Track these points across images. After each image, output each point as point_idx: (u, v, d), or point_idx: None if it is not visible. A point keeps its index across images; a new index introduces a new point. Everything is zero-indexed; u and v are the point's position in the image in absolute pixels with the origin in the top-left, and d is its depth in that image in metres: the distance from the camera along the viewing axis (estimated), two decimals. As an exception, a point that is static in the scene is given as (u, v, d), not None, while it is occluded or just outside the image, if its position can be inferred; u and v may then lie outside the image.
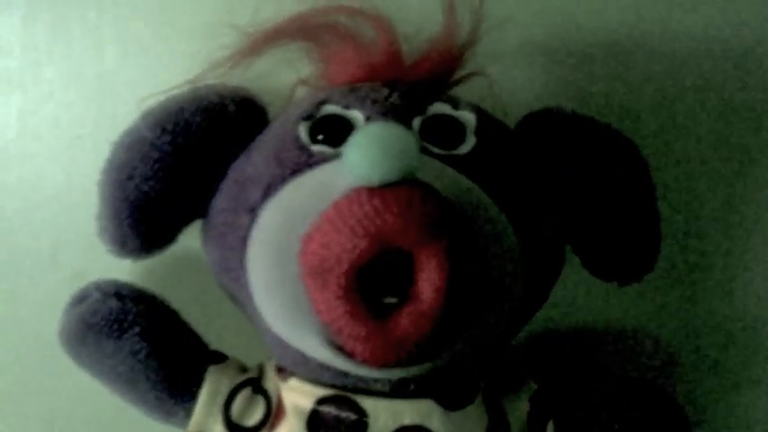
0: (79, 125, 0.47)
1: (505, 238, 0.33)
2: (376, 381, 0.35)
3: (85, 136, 0.44)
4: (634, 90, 0.46)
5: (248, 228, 0.34)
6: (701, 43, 0.46)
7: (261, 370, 0.39)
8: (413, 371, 0.33)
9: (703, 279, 0.48)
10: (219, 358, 0.40)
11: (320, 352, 0.33)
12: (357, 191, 0.30)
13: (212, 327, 0.41)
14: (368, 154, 0.30)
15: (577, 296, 0.47)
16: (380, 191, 0.29)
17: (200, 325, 0.41)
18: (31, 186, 0.48)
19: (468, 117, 0.36)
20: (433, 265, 0.29)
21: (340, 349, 0.31)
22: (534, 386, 0.39)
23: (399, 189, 0.29)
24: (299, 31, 0.39)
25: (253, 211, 0.34)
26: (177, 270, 0.45)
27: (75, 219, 0.47)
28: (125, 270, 0.42)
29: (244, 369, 0.40)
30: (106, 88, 0.46)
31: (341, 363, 0.33)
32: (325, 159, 0.34)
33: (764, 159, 0.47)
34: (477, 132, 0.36)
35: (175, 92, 0.38)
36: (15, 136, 0.47)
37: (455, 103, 0.37)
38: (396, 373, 0.34)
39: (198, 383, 0.38)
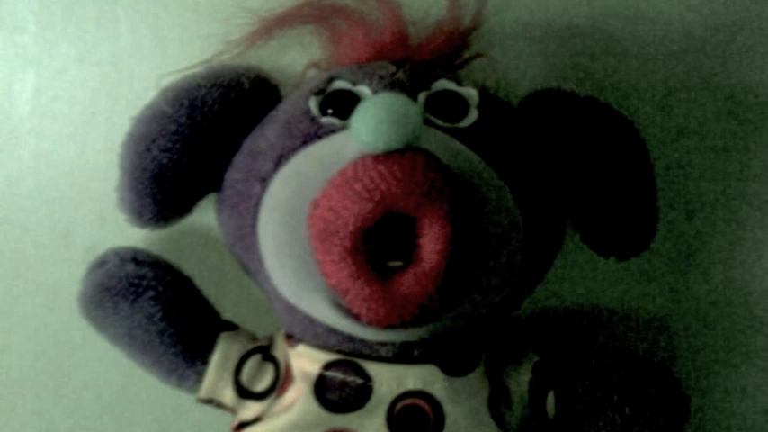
0: (93, 102, 0.47)
1: (506, 206, 0.35)
2: (381, 345, 0.36)
3: (99, 112, 0.45)
4: (636, 73, 0.46)
5: (260, 196, 0.36)
6: (703, 30, 0.46)
7: (271, 340, 0.41)
8: (416, 333, 0.35)
9: (706, 261, 0.49)
10: (231, 326, 0.41)
11: (327, 315, 0.34)
12: (363, 158, 0.31)
13: (223, 303, 0.43)
14: (373, 122, 0.31)
15: (581, 275, 0.48)
16: (385, 158, 0.31)
17: (212, 300, 0.42)
18: (44, 163, 0.48)
19: (472, 93, 0.37)
20: (436, 229, 0.31)
21: (346, 311, 0.33)
22: (535, 357, 0.40)
23: (403, 156, 0.31)
24: (309, 14, 0.41)
25: (264, 181, 0.36)
26: (190, 247, 0.46)
27: (89, 195, 0.47)
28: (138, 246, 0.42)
29: (254, 338, 0.41)
30: (120, 65, 0.47)
31: (347, 325, 0.34)
32: (334, 130, 0.35)
33: (763, 148, 0.48)
34: (480, 107, 0.37)
35: (193, 70, 0.40)
36: (29, 112, 0.48)
37: (459, 80, 0.38)
38: (400, 335, 0.35)
39: (210, 349, 0.39)
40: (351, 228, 0.31)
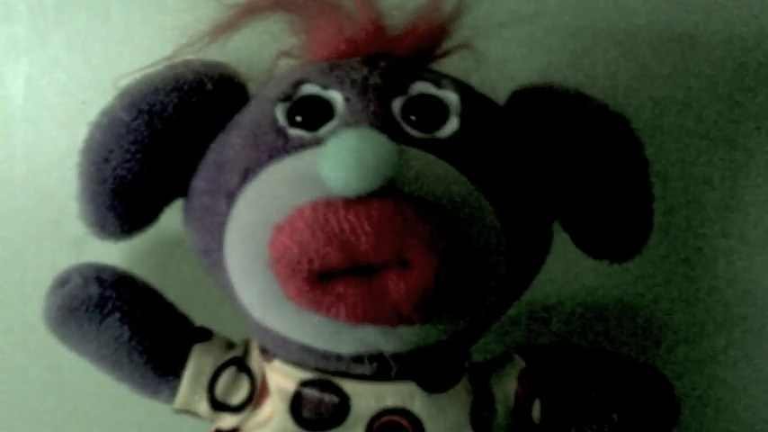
0: (85, 91, 0.47)
1: (489, 226, 0.33)
2: (357, 364, 0.35)
3: (91, 102, 0.43)
4: (626, 63, 0.45)
5: (226, 213, 0.34)
6: (703, 30, 0.46)
7: (246, 347, 0.40)
8: (393, 340, 0.33)
9: (705, 260, 0.49)
10: (205, 336, 0.40)
11: (299, 334, 0.34)
12: (334, 201, 0.29)
13: (209, 299, 0.41)
14: (344, 166, 0.29)
15: (581, 274, 0.48)
16: (355, 206, 0.29)
17: (195, 298, 0.41)
18: (36, 151, 0.48)
19: (452, 97, 0.35)
20: (411, 277, 0.30)
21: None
22: (522, 363, 0.39)
23: (373, 206, 0.29)
24: (280, 2, 0.37)
25: (230, 197, 0.34)
26: (176, 240, 0.44)
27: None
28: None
29: (230, 345, 0.40)
30: (112, 55, 0.47)
31: (326, 327, 0.32)
32: (302, 145, 0.33)
33: (763, 148, 0.47)
34: (461, 113, 0.34)
35: (152, 69, 0.37)
36: (22, 101, 0.48)
37: (438, 82, 0.35)
38: (376, 337, 0.33)
39: (182, 363, 0.38)
40: (315, 267, 0.30)
